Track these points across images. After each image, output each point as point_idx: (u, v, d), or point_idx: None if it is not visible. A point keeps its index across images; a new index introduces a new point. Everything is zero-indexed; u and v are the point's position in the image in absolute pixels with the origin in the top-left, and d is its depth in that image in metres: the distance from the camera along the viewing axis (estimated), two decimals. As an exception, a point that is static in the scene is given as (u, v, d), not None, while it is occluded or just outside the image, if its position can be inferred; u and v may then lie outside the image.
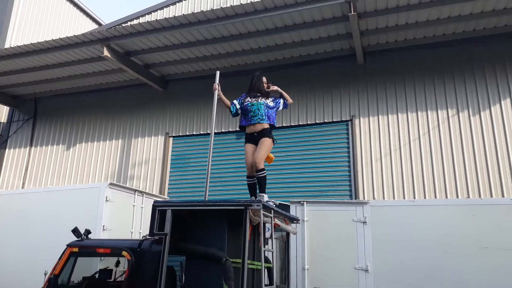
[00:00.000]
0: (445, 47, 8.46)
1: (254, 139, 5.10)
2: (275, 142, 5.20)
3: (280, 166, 8.71)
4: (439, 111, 8.18)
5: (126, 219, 7.08)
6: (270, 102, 5.28)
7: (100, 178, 10.29)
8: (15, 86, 11.04)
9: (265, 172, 4.96)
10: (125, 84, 10.71)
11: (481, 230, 5.92)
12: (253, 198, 4.95)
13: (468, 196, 7.46)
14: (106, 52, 8.69)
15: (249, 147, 5.10)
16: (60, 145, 11.09)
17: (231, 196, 8.39)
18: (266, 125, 5.13)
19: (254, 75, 5.46)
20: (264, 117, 5.13)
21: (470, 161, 7.75)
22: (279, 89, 5.40)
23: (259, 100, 5.22)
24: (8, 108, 12.04)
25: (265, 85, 5.37)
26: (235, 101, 5.42)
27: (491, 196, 7.41)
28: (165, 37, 8.60)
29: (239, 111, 5.38)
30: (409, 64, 8.64)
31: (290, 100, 5.44)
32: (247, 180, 5.11)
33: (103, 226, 6.51)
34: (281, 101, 5.40)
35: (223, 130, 9.48)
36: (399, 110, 8.44)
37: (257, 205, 3.86)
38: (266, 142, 5.03)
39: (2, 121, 12.16)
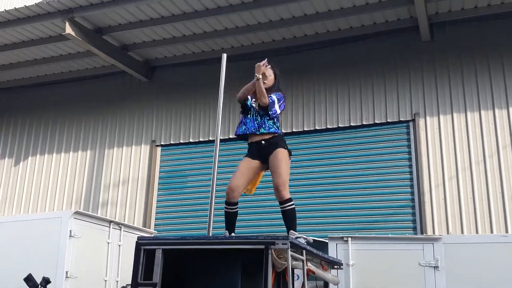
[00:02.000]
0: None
1: (260, 150, 5.03)
2: (291, 154, 5.15)
3: (311, 187, 8.68)
4: (541, 106, 8.11)
5: (98, 262, 7.09)
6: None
7: (61, 204, 10.39)
8: None
9: (293, 204, 4.94)
10: (95, 73, 10.85)
11: None
12: (227, 233, 4.97)
13: None
14: (68, 29, 8.82)
15: (247, 163, 5.04)
16: (6, 159, 11.26)
17: (245, 230, 8.36)
18: (276, 133, 5.08)
19: None
20: (270, 124, 5.07)
21: None
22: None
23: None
24: None
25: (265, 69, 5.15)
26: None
27: None
28: (150, 6, 8.70)
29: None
30: (495, 39, 8.55)
31: (264, 101, 4.95)
32: (226, 208, 5.11)
33: (66, 272, 6.50)
34: (274, 98, 4.99)
35: (231, 137, 9.50)
36: (482, 106, 8.34)
37: (283, 243, 3.85)
38: (282, 155, 4.96)
39: None
